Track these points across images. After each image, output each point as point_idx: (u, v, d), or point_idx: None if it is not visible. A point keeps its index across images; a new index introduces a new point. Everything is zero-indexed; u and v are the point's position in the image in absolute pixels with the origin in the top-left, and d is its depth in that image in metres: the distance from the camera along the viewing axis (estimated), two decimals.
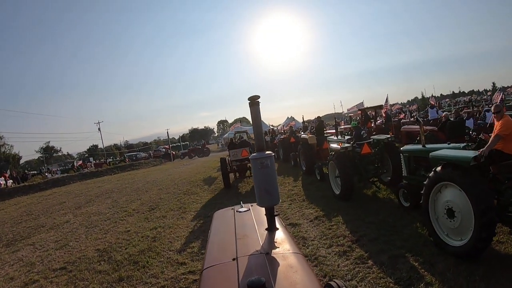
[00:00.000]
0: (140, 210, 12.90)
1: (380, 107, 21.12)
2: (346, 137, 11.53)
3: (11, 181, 48.74)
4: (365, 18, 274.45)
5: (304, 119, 27.39)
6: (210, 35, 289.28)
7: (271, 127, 34.07)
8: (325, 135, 14.95)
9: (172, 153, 52.18)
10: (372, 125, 18.75)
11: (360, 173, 10.06)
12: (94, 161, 61.34)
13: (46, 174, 50.81)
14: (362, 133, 10.72)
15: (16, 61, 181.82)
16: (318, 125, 15.97)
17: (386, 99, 26.46)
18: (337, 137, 12.39)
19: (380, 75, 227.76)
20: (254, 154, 2.92)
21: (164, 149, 57.00)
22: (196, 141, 75.70)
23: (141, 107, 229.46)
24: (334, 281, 2.69)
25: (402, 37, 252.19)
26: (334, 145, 10.78)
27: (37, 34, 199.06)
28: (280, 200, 6.81)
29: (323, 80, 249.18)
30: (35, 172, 57.51)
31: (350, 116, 27.01)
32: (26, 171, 59.29)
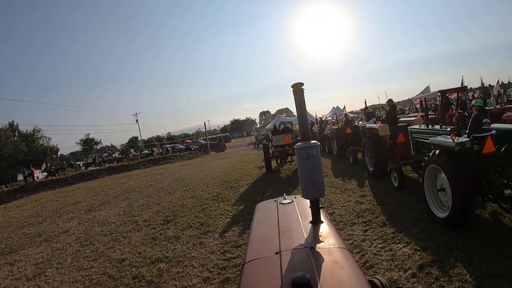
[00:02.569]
0: (152, 223, 10.02)
1: (463, 89, 16.97)
2: (440, 127, 7.85)
3: (45, 173, 48.41)
4: (411, 5, 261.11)
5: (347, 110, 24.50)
6: (252, 27, 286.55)
7: (319, 117, 30.59)
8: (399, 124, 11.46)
9: (193, 147, 50.53)
10: (454, 112, 14.82)
11: (481, 186, 5.94)
12: (132, 154, 59.89)
13: (81, 166, 50.24)
14: (484, 121, 6.68)
15: (56, 54, 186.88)
16: (390, 111, 12.17)
17: (462, 82, 22.66)
18: (427, 126, 8.55)
19: (426, 65, 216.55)
20: (299, 143, 2.68)
21: (203, 141, 54.70)
22: (238, 132, 73.40)
23: (185, 99, 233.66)
24: (376, 278, 2.53)
25: (450, 24, 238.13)
26: (437, 139, 6.87)
27: (75, 27, 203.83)
28: (349, 222, 7.04)
29: (366, 71, 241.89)
30: (62, 164, 57.54)
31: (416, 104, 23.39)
32: (62, 163, 59.09)
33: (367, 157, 11.78)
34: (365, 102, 17.84)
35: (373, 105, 18.31)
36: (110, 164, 44.00)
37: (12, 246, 10.60)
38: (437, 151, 6.44)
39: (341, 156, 16.99)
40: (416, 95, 27.97)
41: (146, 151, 57.88)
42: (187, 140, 66.92)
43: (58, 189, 27.29)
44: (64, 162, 63.05)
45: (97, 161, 55.33)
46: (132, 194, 16.10)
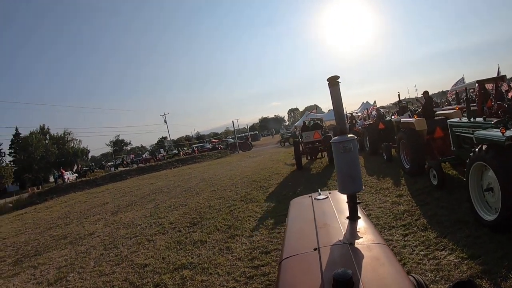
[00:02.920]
0: (178, 225, 9.61)
1: (502, 78, 15.82)
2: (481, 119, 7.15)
3: (75, 175, 49.32)
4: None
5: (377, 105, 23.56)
6: (279, 25, 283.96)
7: (349, 113, 29.75)
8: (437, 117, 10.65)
9: (220, 147, 50.13)
10: (492, 104, 13.81)
11: None
12: (160, 154, 60.30)
13: (111, 167, 50.91)
14: None
15: (86, 58, 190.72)
16: (426, 104, 11.41)
17: (498, 71, 21.42)
18: (469, 119, 7.75)
19: (451, 58, 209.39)
20: (336, 137, 2.64)
21: (231, 139, 54.45)
22: (267, 130, 72.90)
23: (214, 98, 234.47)
24: (412, 275, 2.34)
25: (471, 17, 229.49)
26: (483, 132, 6.15)
27: (105, 30, 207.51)
28: (386, 225, 6.57)
29: (393, 65, 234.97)
30: (91, 165, 58.56)
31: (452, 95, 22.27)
32: (91, 164, 60.15)
33: (403, 154, 11.01)
34: (399, 95, 16.91)
35: (404, 99, 17.18)
36: (139, 165, 44.38)
37: (38, 249, 10.58)
38: (484, 147, 5.79)
39: (374, 153, 16.25)
40: (451, 87, 26.51)
41: (173, 151, 57.96)
42: (213, 140, 66.87)
43: (88, 190, 27.73)
44: (93, 163, 63.96)
45: (124, 162, 56.24)
46: (159, 195, 15.84)
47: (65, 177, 45.43)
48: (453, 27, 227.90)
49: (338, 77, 2.70)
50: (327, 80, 2.73)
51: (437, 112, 11.00)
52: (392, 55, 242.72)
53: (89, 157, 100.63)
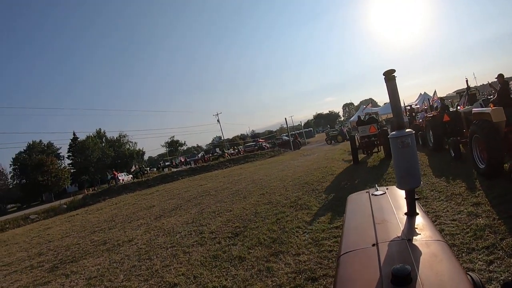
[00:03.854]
0: (219, 235, 8.71)
1: None
2: None
3: (130, 176, 50.27)
4: None
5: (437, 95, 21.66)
6: (328, 19, 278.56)
7: (408, 106, 27.87)
8: None
9: (266, 146, 49.37)
10: None
11: None
12: (207, 155, 60.22)
13: (165, 169, 51.41)
14: None
15: (141, 64, 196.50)
16: (503, 90, 9.62)
17: None
18: None
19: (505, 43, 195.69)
20: (394, 132, 2.61)
21: (286, 137, 53.32)
22: (322, 126, 71.24)
23: (269, 96, 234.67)
24: (469, 274, 2.19)
25: None
26: None
27: (157, 35, 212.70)
28: (464, 246, 5.27)
29: (447, 54, 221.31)
30: (142, 167, 59.74)
31: None
32: (142, 166, 61.43)
33: (476, 151, 9.37)
34: (467, 81, 14.69)
35: (468, 87, 14.98)
36: (184, 166, 44.41)
37: (76, 254, 10.56)
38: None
39: (438, 149, 14.53)
40: None
41: (217, 153, 57.37)
42: (260, 139, 65.92)
43: (139, 191, 28.09)
44: (143, 165, 65.25)
45: (173, 163, 56.76)
46: (206, 198, 15.15)
47: (119, 178, 46.38)
48: (505, 10, 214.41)
49: (394, 70, 2.66)
50: (383, 74, 2.68)
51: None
52: (445, 42, 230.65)
53: (147, 158, 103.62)
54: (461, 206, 6.98)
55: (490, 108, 8.65)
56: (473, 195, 7.44)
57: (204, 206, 13.18)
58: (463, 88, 15.46)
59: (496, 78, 10.22)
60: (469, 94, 14.31)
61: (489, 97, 13.10)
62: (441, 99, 18.15)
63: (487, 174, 8.52)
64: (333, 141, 43.68)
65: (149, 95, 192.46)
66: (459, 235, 5.59)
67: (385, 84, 2.72)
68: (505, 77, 10.25)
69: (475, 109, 9.92)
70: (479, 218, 6.05)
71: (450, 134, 13.73)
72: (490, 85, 12.14)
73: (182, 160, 60.46)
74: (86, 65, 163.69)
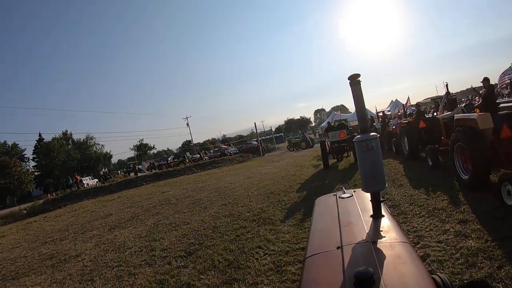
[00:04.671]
0: (170, 253, 7.63)
1: None
2: None
3: (96, 180, 48.39)
4: None
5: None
6: (305, 26, 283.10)
7: (380, 112, 27.51)
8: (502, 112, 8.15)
9: (229, 152, 48.46)
10: None
11: None
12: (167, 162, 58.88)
13: (131, 173, 49.89)
14: None
15: (107, 62, 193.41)
16: (488, 95, 8.89)
17: None
18: None
19: (472, 54, 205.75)
20: (358, 136, 2.61)
21: (256, 142, 52.43)
22: (292, 132, 70.77)
23: (239, 101, 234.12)
24: (437, 275, 2.29)
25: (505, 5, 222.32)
26: None
27: (130, 36, 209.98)
28: (456, 278, 4.39)
29: (418, 63, 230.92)
30: (105, 172, 58.12)
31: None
32: (105, 172, 59.69)
33: (458, 160, 8.57)
34: (447, 85, 13.69)
35: (448, 92, 14.15)
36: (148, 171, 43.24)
37: (20, 270, 9.61)
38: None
39: (414, 157, 13.83)
40: (500, 77, 22.95)
41: (179, 159, 55.84)
42: (223, 146, 64.86)
43: (101, 197, 26.77)
44: (110, 169, 63.24)
45: (136, 168, 55.75)
46: (165, 208, 14.02)
47: (83, 182, 44.48)
48: (475, 22, 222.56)
49: (359, 75, 2.66)
50: (348, 78, 2.68)
51: (501, 105, 8.54)
52: (415, 52, 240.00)
53: (116, 161, 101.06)
54: (446, 223, 6.10)
55: (476, 114, 7.82)
56: (458, 210, 6.60)
57: (161, 217, 12.11)
58: (437, 96, 14.84)
59: (481, 82, 9.46)
60: (449, 100, 13.42)
61: (473, 102, 12.48)
62: (417, 105, 17.48)
63: (471, 186, 7.76)
64: (295, 148, 43.07)
65: (119, 97, 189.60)
66: (448, 262, 4.67)
67: (351, 89, 2.70)
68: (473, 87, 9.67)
69: (458, 115, 9.06)
70: (469, 240, 5.18)
71: (426, 142, 13.06)
72: (474, 89, 11.44)
73: (146, 164, 59.06)
74: (55, 65, 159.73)
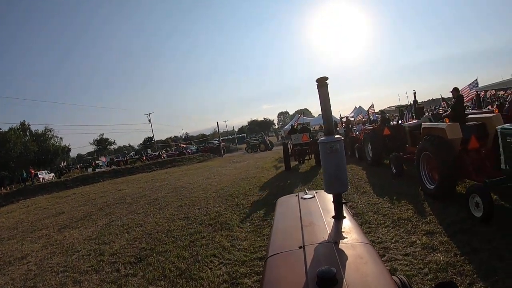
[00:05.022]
0: (120, 259, 7.15)
1: None
2: None
3: (52, 174, 46.57)
4: (433, 2, 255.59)
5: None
6: (272, 27, 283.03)
7: (344, 117, 27.70)
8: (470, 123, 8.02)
9: (187, 151, 48.46)
10: None
11: None
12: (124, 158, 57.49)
13: (89, 168, 48.44)
14: None
15: (69, 53, 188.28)
16: (457, 104, 8.64)
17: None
18: None
19: (434, 67, 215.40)
20: (323, 138, 2.64)
21: (217, 142, 51.85)
22: (255, 133, 70.59)
23: (203, 100, 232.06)
24: (396, 276, 2.38)
25: (458, 27, 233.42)
26: None
27: (90, 25, 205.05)
28: None
29: (383, 72, 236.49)
30: (60, 166, 56.29)
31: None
32: (60, 166, 57.61)
33: (424, 169, 8.48)
34: (414, 94, 13.30)
35: (415, 100, 14.00)
36: (109, 167, 42.23)
37: None
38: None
39: (377, 164, 13.75)
40: (465, 89, 23.52)
41: (135, 157, 54.76)
42: (181, 144, 63.84)
43: (56, 193, 25.62)
44: (63, 165, 60.81)
45: (93, 164, 54.59)
46: (120, 207, 13.41)
47: (39, 176, 42.73)
48: (441, 36, 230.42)
49: (327, 78, 2.69)
50: (316, 81, 2.71)
51: (469, 116, 8.44)
52: (379, 62, 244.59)
53: (76, 155, 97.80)
54: (413, 235, 5.93)
55: (445, 124, 7.73)
56: (424, 221, 6.46)
57: (114, 217, 11.54)
58: (404, 104, 14.88)
59: (450, 91, 9.37)
60: (416, 108, 13.29)
61: (439, 111, 12.50)
62: (382, 112, 17.48)
63: (436, 195, 7.69)
64: (253, 151, 42.63)
65: (80, 89, 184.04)
66: (416, 278, 4.46)
67: (318, 91, 2.70)
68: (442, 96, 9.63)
69: (425, 124, 9.02)
70: (437, 253, 5.01)
71: (390, 149, 12.96)
72: (443, 98, 11.40)
73: (105, 160, 57.56)
74: (15, 52, 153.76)
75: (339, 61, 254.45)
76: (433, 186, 7.90)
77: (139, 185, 20.34)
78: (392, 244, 5.66)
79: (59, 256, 8.32)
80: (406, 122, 13.62)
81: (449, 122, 7.77)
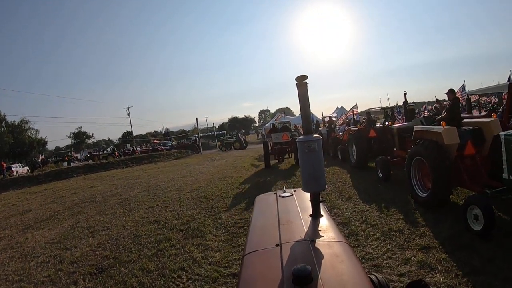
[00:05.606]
0: (80, 268, 6.43)
1: None
2: None
3: (26, 168, 44.96)
4: (413, 11, 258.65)
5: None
6: (253, 26, 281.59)
7: (326, 117, 27.16)
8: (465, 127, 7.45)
9: (161, 148, 47.62)
10: None
11: None
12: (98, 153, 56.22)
13: (64, 163, 47.16)
14: None
15: (50, 44, 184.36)
16: (453, 107, 8.02)
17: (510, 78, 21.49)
18: None
19: (414, 71, 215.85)
20: (301, 137, 2.66)
21: (195, 138, 50.99)
22: (236, 130, 69.83)
23: (185, 96, 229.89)
24: (373, 274, 2.41)
25: (452, 30, 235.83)
26: None
27: (71, 17, 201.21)
28: None
29: (368, 74, 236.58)
30: (34, 159, 54.91)
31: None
32: (34, 159, 56.01)
33: (415, 175, 7.85)
34: (405, 94, 12.15)
35: (406, 101, 12.89)
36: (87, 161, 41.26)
37: None
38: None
39: (361, 166, 13.18)
40: (459, 93, 22.94)
41: (107, 152, 53.40)
42: (155, 140, 62.73)
43: (28, 188, 24.43)
44: (41, 158, 59.05)
45: (66, 158, 53.51)
46: (88, 206, 12.58)
47: (13, 169, 41.18)
48: (419, 42, 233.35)
49: (306, 77, 2.67)
50: (295, 79, 2.68)
51: (464, 120, 7.89)
52: (367, 63, 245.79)
53: (53, 148, 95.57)
54: (406, 250, 5.33)
55: (442, 127, 7.03)
56: (417, 233, 5.87)
57: (81, 218, 10.75)
58: (388, 107, 14.30)
59: (445, 93, 8.74)
60: (406, 109, 12.16)
61: (431, 113, 11.91)
62: (368, 112, 16.78)
63: (429, 204, 7.10)
64: (226, 149, 42.11)
65: (58, 81, 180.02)
66: None
67: (297, 90, 2.67)
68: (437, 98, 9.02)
69: (418, 127, 8.36)
70: (436, 273, 4.45)
71: (375, 152, 12.50)
72: (437, 100, 10.68)
73: (76, 155, 56.46)
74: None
75: (323, 61, 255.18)
76: (426, 194, 7.32)
77: (112, 182, 19.53)
78: (385, 261, 5.06)
79: (18, 261, 7.56)
80: (393, 124, 13.11)
81: (445, 125, 7.07)
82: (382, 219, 6.89)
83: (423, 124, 8.76)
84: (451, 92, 8.37)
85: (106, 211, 11.17)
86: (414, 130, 8.33)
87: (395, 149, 11.07)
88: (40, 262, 7.24)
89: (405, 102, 12.03)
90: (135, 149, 53.33)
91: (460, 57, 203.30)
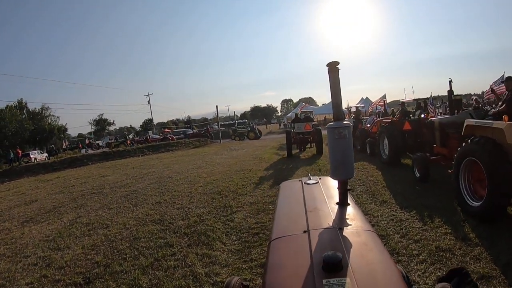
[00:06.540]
0: (66, 276, 5.61)
1: None
2: None
3: (45, 154, 45.12)
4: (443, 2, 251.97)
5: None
6: (280, 15, 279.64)
7: (351, 107, 26.05)
8: None
9: (171, 137, 46.86)
10: None
11: None
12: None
13: (83, 149, 47.31)
14: None
15: (71, 31, 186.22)
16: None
17: None
18: None
19: (439, 64, 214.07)
20: (331, 123, 2.62)
21: (216, 127, 50.35)
22: (257, 119, 69.01)
23: (209, 83, 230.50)
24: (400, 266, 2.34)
25: (481, 23, 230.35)
26: None
27: (93, 5, 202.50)
28: None
29: (395, 65, 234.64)
30: (51, 146, 55.17)
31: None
32: (51, 146, 56.40)
33: (466, 181, 6.57)
34: (450, 82, 10.28)
35: (451, 91, 11.11)
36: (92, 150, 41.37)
37: None
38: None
39: (394, 163, 11.91)
40: (491, 85, 21.07)
41: (120, 140, 53.18)
42: (165, 129, 62.09)
43: (42, 175, 24.17)
44: (53, 145, 59.51)
45: (80, 146, 54.36)
46: (94, 198, 11.93)
47: (31, 156, 41.34)
48: (447, 34, 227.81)
49: (338, 63, 2.60)
50: (327, 65, 2.61)
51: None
52: (394, 54, 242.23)
53: (76, 135, 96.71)
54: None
55: (504, 123, 5.69)
56: (472, 255, 4.71)
57: (83, 212, 10.07)
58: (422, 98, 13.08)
59: (503, 82, 7.40)
60: (451, 100, 10.61)
61: (487, 107, 10.61)
62: (402, 103, 15.25)
63: (482, 216, 5.83)
64: (239, 138, 41.36)
65: (81, 68, 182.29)
66: None
67: (328, 79, 2.61)
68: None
69: (470, 120, 7.01)
70: None
71: (410, 147, 11.40)
72: (493, 90, 9.28)
73: (88, 142, 56.73)
74: (16, 29, 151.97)
75: (346, 52, 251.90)
76: (478, 204, 6.05)
77: (125, 171, 18.95)
78: None
79: (6, 261, 6.92)
80: (428, 116, 11.86)
81: (508, 120, 5.71)
82: (426, 233, 5.68)
83: (472, 118, 7.48)
84: (509, 80, 7.07)
85: (110, 205, 10.45)
86: (465, 124, 7.02)
87: (434, 145, 9.77)
88: (27, 264, 6.55)
89: (450, 91, 10.39)
90: (148, 137, 53.00)
91: (489, 50, 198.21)
